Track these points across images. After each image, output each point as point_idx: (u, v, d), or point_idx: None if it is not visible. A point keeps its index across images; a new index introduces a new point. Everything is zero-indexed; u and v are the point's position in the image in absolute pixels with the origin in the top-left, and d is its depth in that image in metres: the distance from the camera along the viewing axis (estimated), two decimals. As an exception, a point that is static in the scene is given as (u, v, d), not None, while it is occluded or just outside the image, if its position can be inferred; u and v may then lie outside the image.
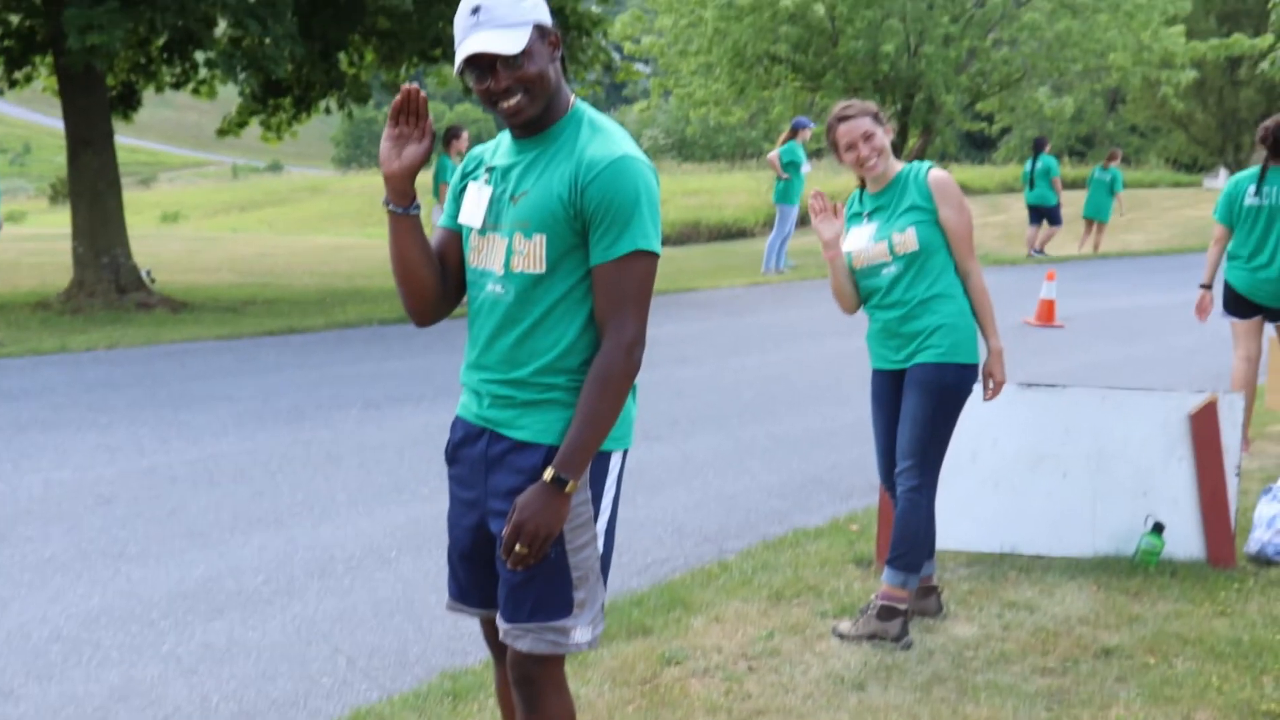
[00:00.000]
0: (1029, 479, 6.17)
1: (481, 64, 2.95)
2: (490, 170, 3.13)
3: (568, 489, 2.93)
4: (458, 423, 3.22)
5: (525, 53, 2.93)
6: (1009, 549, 6.19)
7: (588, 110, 3.11)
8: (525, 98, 2.96)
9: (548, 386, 3.03)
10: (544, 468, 2.96)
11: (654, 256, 2.98)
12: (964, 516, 6.09)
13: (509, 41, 2.92)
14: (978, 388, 5.34)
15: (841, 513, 7.09)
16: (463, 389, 3.23)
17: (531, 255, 3.00)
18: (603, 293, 2.98)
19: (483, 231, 3.10)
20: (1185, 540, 6.08)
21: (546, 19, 3.01)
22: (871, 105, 5.30)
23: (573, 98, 3.10)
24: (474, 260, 3.13)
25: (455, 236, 3.21)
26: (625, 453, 3.16)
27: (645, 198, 2.97)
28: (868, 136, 5.17)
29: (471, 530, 3.20)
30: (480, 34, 2.93)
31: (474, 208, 3.12)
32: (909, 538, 5.14)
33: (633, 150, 2.99)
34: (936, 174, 5.22)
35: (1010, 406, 6.03)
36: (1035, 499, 6.17)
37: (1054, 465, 6.16)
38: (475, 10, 2.94)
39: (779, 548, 6.43)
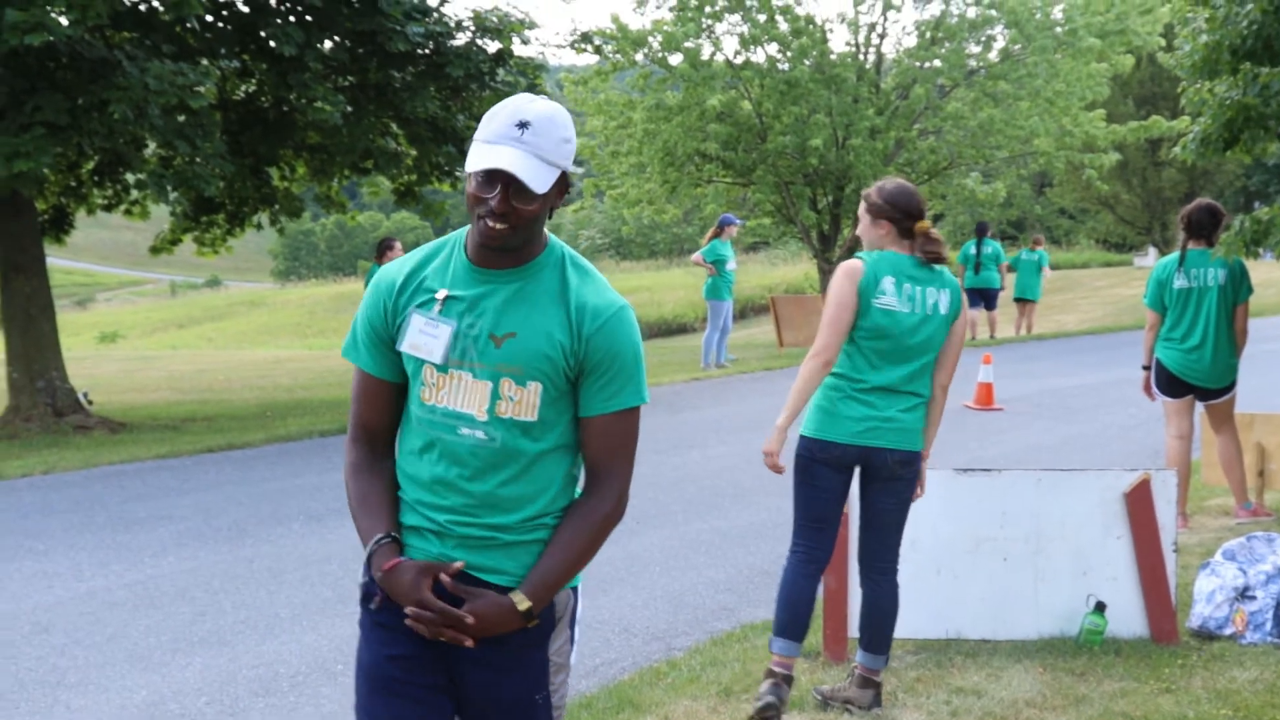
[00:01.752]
0: (970, 563, 6.21)
1: (497, 179, 2.80)
2: (447, 300, 2.92)
3: (531, 622, 2.90)
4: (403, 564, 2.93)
5: (543, 195, 2.83)
6: (954, 634, 6.22)
7: (564, 247, 3.01)
8: (511, 230, 2.84)
9: (534, 528, 2.95)
10: None
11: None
12: (907, 603, 6.10)
13: (539, 178, 2.81)
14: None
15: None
16: (403, 528, 3.00)
17: (524, 403, 2.90)
18: (600, 441, 2.96)
19: (443, 368, 2.91)
20: (1128, 618, 6.14)
21: (572, 165, 2.91)
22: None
23: (547, 233, 2.98)
24: (431, 397, 2.94)
25: (382, 383, 3.02)
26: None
27: (640, 351, 2.98)
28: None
29: (402, 660, 3.00)
30: (517, 153, 2.79)
31: (429, 341, 2.91)
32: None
33: (621, 298, 2.97)
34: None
35: (948, 492, 6.09)
36: (977, 583, 6.21)
37: (994, 548, 6.21)
38: (523, 125, 2.81)
39: (727, 643, 6.42)
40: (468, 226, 2.97)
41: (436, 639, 2.87)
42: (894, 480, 5.33)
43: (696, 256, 19.62)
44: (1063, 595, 6.17)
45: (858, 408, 5.25)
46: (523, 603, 2.87)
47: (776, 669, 5.36)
